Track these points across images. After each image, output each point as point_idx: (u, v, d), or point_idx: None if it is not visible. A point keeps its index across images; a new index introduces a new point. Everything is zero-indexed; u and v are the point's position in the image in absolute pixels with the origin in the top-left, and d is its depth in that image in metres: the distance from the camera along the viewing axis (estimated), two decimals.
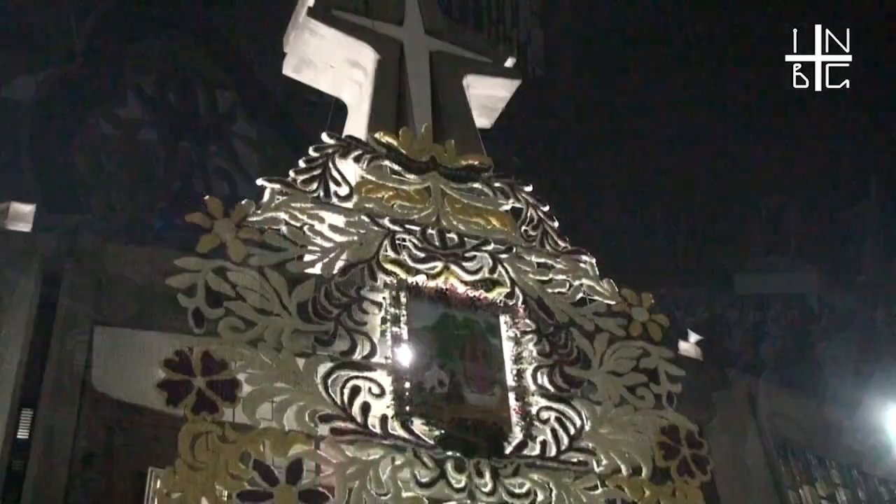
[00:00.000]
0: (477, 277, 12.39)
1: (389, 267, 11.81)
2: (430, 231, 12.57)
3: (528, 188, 14.20)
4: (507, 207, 13.79)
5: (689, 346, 14.83)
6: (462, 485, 10.54)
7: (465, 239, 12.77)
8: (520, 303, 12.42)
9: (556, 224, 13.93)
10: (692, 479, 12.08)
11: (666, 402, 12.65)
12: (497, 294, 12.34)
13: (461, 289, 12.08)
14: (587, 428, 11.76)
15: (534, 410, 11.54)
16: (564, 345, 12.37)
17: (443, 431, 10.71)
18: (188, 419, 9.47)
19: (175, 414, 9.71)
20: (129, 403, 11.23)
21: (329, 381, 10.44)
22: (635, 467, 11.83)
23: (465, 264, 12.39)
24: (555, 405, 11.77)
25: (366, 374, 10.76)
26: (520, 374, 11.76)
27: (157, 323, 10.41)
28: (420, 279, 11.87)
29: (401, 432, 10.52)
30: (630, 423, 12.16)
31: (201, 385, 9.68)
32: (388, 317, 11.29)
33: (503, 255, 12.83)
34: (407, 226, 12.46)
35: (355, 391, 10.55)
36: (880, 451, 15.90)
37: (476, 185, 13.77)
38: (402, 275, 11.80)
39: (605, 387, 12.29)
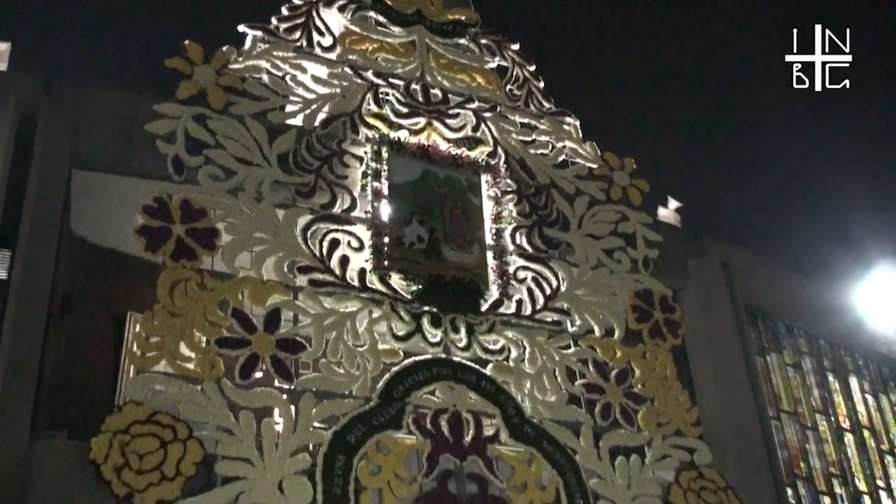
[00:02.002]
0: (460, 135, 12.30)
1: (371, 121, 11.69)
2: (413, 86, 12.40)
3: (515, 46, 13.96)
4: (493, 65, 13.59)
5: (668, 212, 14.88)
6: (437, 339, 10.70)
7: (450, 95, 12.62)
8: (502, 162, 12.39)
9: (541, 84, 13.76)
10: (663, 343, 12.32)
11: (642, 267, 12.79)
12: (479, 153, 12.28)
13: (443, 146, 12.01)
14: (563, 288, 11.90)
15: (511, 269, 11.65)
16: (544, 206, 12.41)
17: (420, 286, 10.81)
18: (167, 266, 9.50)
19: (154, 261, 9.73)
20: (107, 248, 11.25)
21: (308, 233, 10.46)
22: (608, 329, 12.04)
23: (448, 121, 12.28)
24: (532, 265, 11.88)
25: (345, 227, 10.77)
26: (499, 234, 11.82)
27: (135, 168, 10.30)
28: (402, 134, 11.76)
29: (378, 286, 10.61)
30: (605, 285, 12.32)
31: (180, 232, 9.68)
32: (369, 171, 11.24)
33: (487, 114, 12.71)
34: (390, 79, 12.28)
35: (334, 244, 10.58)
36: (848, 321, 16.23)
37: (462, 40, 13.54)
38: (385, 129, 11.68)
39: (582, 249, 12.39)
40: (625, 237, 12.87)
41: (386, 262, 10.73)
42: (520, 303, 11.49)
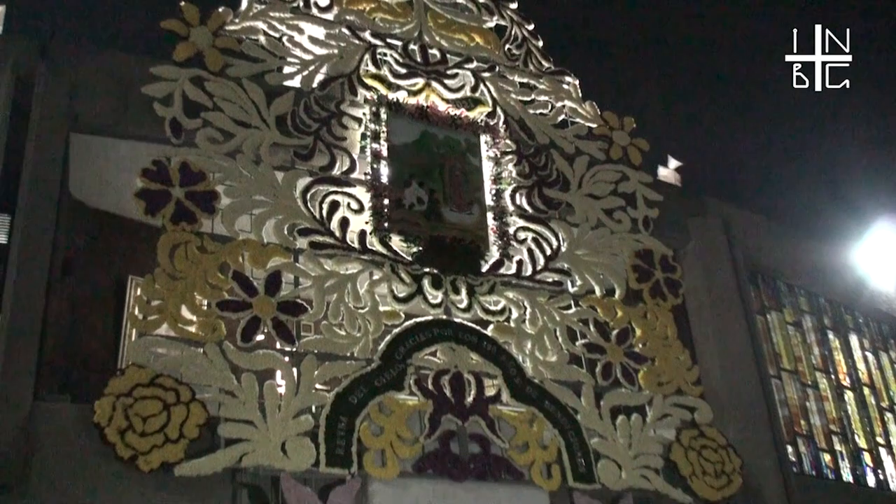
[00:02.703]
0: (458, 95, 12.23)
1: (370, 82, 11.61)
2: (411, 46, 12.30)
3: (514, 5, 13.84)
4: (492, 25, 13.49)
5: (668, 171, 14.86)
6: (438, 301, 10.71)
7: (448, 55, 12.54)
8: (501, 123, 12.34)
9: (540, 43, 13.67)
10: (664, 302, 12.34)
11: (642, 226, 12.78)
12: (478, 113, 12.22)
13: (442, 106, 11.94)
14: (563, 249, 11.90)
15: (511, 230, 11.64)
16: (544, 166, 12.37)
17: (420, 248, 10.79)
18: (167, 229, 9.48)
19: (154, 224, 9.71)
20: (107, 212, 11.22)
21: (308, 196, 10.43)
22: (609, 289, 12.05)
23: (446, 81, 12.21)
24: (532, 226, 11.87)
25: (345, 189, 10.74)
26: (498, 194, 11.79)
27: (133, 132, 10.23)
28: (401, 95, 11.69)
29: (379, 248, 10.60)
30: (606, 245, 12.32)
31: (179, 195, 9.65)
32: (368, 133, 11.19)
33: (486, 74, 12.63)
34: (388, 40, 12.18)
35: (334, 206, 10.56)
36: (848, 279, 16.23)
37: (460, 0, 13.41)
38: (383, 90, 11.62)
39: (582, 209, 12.37)
40: (625, 197, 12.85)
41: (386, 224, 10.71)
42: (520, 263, 11.49)
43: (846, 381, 15.96)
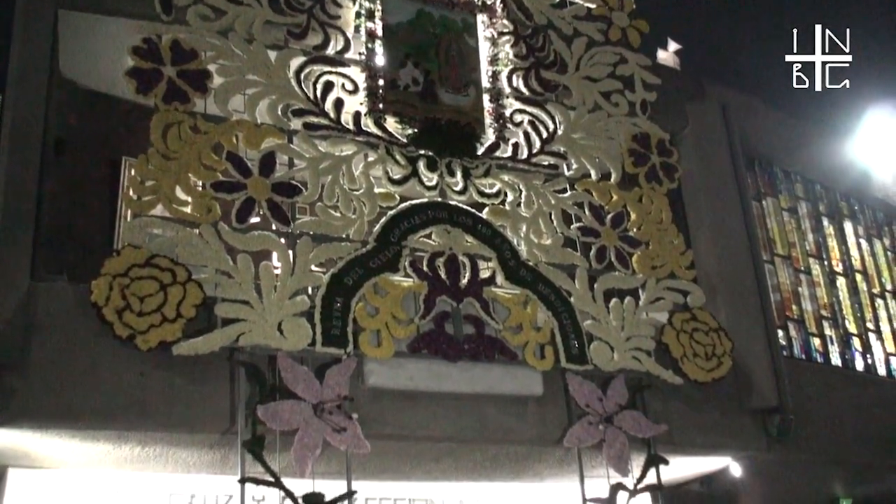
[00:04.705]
0: None
1: None
2: None
3: None
4: None
5: (667, 54, 14.59)
6: (433, 183, 10.68)
7: None
8: (498, 2, 12.09)
9: None
10: (659, 187, 12.32)
11: (639, 110, 12.67)
12: None
13: None
14: (559, 132, 11.82)
15: (507, 112, 11.53)
16: (541, 47, 12.19)
17: (416, 130, 10.71)
18: (159, 108, 9.38)
19: (146, 104, 9.60)
20: (99, 92, 11.06)
21: (302, 76, 10.29)
22: (605, 172, 12.01)
23: None
24: (528, 108, 11.75)
25: (339, 69, 10.59)
26: (495, 76, 11.65)
27: (123, 8, 10.00)
28: None
29: (374, 129, 10.51)
30: (602, 128, 12.23)
31: (171, 74, 9.51)
32: (363, 11, 10.97)
33: None
34: None
35: (328, 86, 10.43)
36: (845, 166, 16.19)
37: None
38: None
39: (579, 92, 12.24)
40: (623, 80, 12.69)
41: (381, 105, 10.59)
42: (516, 146, 11.42)
43: (839, 268, 16.08)
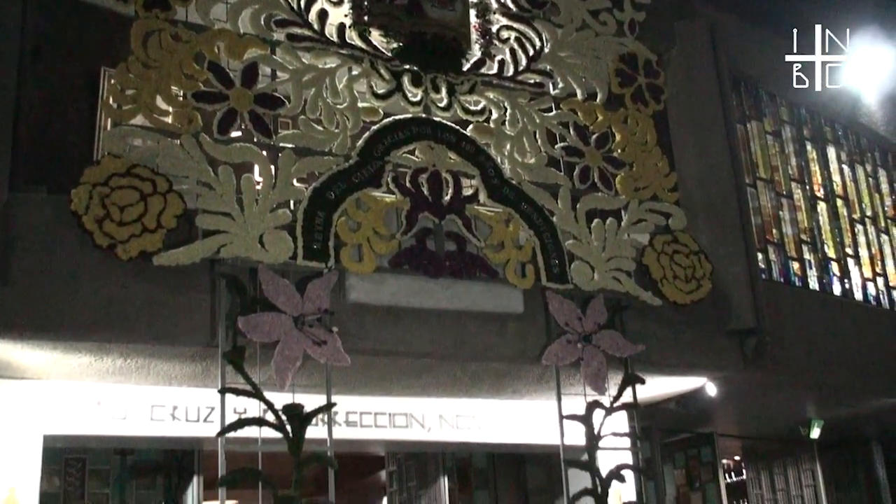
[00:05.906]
0: None
1: None
2: None
3: None
4: None
5: None
6: (418, 98, 10.58)
7: None
8: None
9: None
10: (645, 108, 12.26)
11: (627, 30, 12.54)
12: None
13: None
14: (546, 50, 11.69)
15: (494, 29, 11.38)
16: None
17: (401, 44, 10.54)
18: (139, 15, 9.20)
19: (126, 14, 9.42)
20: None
21: None
22: (591, 92, 11.92)
23: None
24: (515, 25, 11.61)
25: None
26: None
27: None
28: None
29: (358, 42, 10.36)
30: (590, 47, 12.11)
31: None
32: None
33: None
34: None
35: None
36: (830, 90, 16.07)
37: None
38: None
39: (568, 10, 12.08)
40: None
41: (366, 18, 10.40)
42: (502, 63, 11.30)
43: (820, 192, 16.12)
